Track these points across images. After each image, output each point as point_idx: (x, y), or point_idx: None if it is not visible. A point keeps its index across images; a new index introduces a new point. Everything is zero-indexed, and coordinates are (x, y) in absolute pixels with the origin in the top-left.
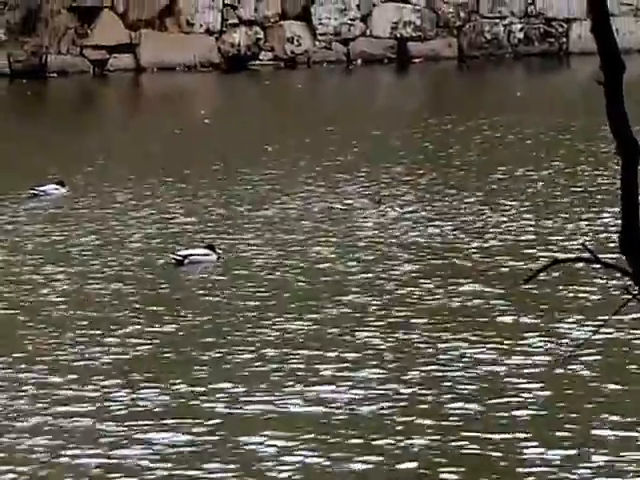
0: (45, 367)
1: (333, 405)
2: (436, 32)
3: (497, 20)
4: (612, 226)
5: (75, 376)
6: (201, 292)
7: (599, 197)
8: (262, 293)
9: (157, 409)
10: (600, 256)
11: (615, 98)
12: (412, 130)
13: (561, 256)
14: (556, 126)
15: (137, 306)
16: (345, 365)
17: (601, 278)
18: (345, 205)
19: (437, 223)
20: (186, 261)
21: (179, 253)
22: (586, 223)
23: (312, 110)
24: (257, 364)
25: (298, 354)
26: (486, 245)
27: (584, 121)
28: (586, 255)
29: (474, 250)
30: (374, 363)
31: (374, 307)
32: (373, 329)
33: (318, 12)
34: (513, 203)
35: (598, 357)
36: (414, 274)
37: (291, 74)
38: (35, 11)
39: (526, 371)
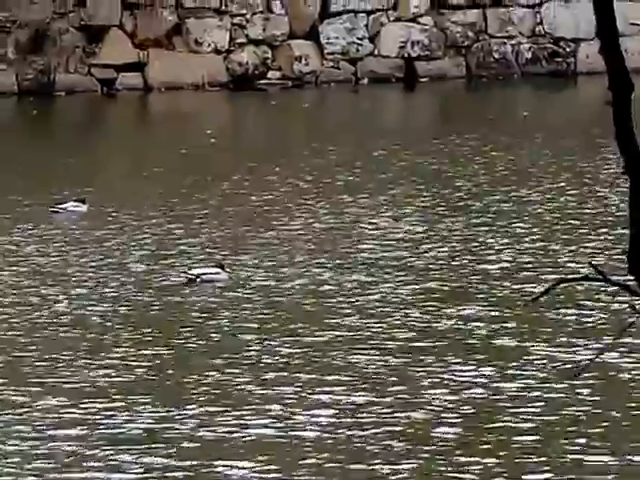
0: (39, 389)
1: (321, 429)
2: (444, 52)
3: (505, 40)
4: (618, 246)
5: (66, 399)
6: (199, 314)
7: (606, 218)
8: (261, 315)
9: (146, 432)
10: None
11: (623, 118)
12: (417, 150)
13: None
14: (562, 146)
15: (135, 328)
16: (336, 389)
17: (604, 300)
18: (347, 226)
19: (438, 245)
20: (198, 280)
21: (191, 272)
22: (592, 244)
23: (317, 130)
24: (249, 388)
25: (291, 378)
26: (488, 267)
27: (591, 141)
28: (591, 275)
29: (475, 272)
30: (366, 387)
31: (372, 330)
32: (369, 352)
33: (326, 31)
34: (517, 225)
35: (599, 380)
36: (413, 296)
37: (298, 93)
38: (43, 30)
39: (523, 394)
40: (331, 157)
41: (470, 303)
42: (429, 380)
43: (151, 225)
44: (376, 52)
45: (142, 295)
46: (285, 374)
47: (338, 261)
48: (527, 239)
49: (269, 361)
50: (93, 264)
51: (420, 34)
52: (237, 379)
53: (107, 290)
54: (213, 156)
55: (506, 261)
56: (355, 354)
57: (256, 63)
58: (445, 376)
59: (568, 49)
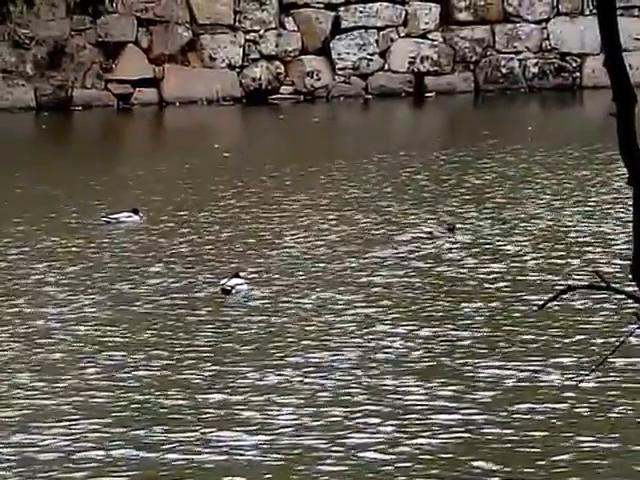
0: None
1: (239, 452)
2: (453, 67)
3: (512, 55)
4: (623, 256)
5: (46, 420)
6: (197, 334)
7: (611, 228)
8: (259, 336)
9: (109, 459)
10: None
11: (627, 130)
12: (416, 165)
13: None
14: (566, 159)
15: (133, 347)
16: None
17: (586, 321)
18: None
19: (427, 264)
20: (234, 291)
21: (229, 283)
22: (595, 256)
23: (326, 144)
24: (217, 413)
25: (249, 402)
26: (485, 285)
27: (594, 154)
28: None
29: (465, 292)
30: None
31: (354, 353)
32: (337, 377)
33: (337, 47)
34: (520, 239)
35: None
36: (395, 316)
37: (309, 108)
38: (61, 46)
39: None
40: (335, 172)
41: (456, 323)
42: (374, 401)
43: (156, 243)
44: (386, 67)
45: (143, 313)
46: (253, 399)
47: (331, 282)
48: (525, 257)
49: (251, 385)
50: (102, 283)
51: (429, 50)
52: (211, 400)
53: (110, 310)
54: (223, 170)
55: (504, 280)
56: (320, 379)
57: (269, 78)
58: (388, 398)
59: (574, 64)
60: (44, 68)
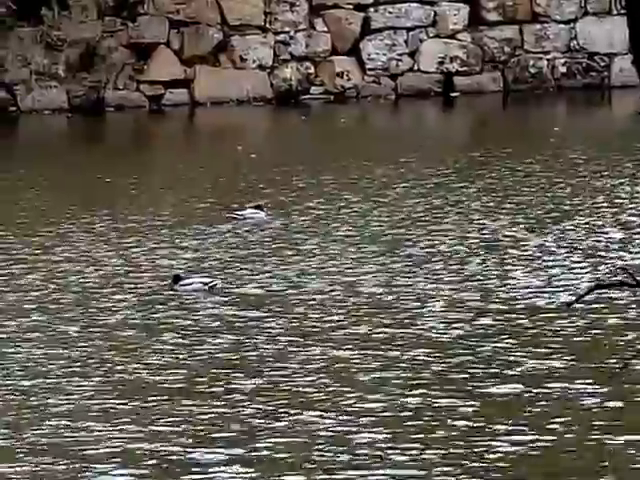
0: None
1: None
2: (482, 67)
3: (541, 55)
4: None
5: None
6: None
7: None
8: (247, 352)
9: None
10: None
11: None
12: (441, 169)
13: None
14: (592, 159)
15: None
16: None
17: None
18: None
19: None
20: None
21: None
22: (618, 254)
23: (352, 145)
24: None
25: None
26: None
27: (622, 153)
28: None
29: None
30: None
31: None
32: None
33: (367, 48)
34: (541, 243)
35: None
36: (371, 335)
37: (339, 108)
38: (93, 48)
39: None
40: (347, 177)
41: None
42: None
43: (170, 246)
44: (415, 67)
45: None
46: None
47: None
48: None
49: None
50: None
51: (458, 50)
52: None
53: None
54: (244, 172)
55: (516, 278)
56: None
57: (299, 79)
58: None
59: (602, 63)
60: (76, 70)
